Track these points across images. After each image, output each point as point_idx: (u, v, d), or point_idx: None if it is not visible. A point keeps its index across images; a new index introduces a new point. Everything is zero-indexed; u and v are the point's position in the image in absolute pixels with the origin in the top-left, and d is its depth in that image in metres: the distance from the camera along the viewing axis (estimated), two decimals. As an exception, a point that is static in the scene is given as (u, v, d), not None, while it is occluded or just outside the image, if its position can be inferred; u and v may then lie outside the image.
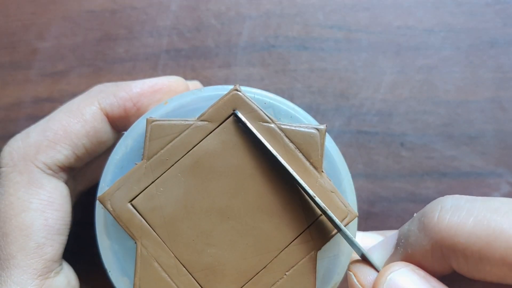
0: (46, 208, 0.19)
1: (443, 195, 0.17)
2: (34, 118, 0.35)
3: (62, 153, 0.20)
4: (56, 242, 0.19)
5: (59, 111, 0.21)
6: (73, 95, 0.35)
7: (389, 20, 0.33)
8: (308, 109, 0.33)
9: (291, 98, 0.33)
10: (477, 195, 0.16)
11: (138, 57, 0.34)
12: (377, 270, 0.18)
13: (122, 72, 0.34)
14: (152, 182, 0.19)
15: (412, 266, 0.17)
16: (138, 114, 0.21)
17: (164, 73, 0.34)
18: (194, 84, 0.25)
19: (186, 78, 0.26)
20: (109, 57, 0.35)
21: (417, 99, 0.32)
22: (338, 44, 0.33)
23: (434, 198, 0.17)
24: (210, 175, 0.19)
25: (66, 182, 0.21)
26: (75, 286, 0.20)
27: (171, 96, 0.21)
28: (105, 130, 0.21)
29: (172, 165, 0.19)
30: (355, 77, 0.33)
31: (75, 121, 0.20)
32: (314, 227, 0.19)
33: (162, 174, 0.19)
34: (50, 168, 0.20)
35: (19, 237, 0.18)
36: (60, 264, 0.20)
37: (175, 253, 0.18)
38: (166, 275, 0.18)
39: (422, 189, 0.31)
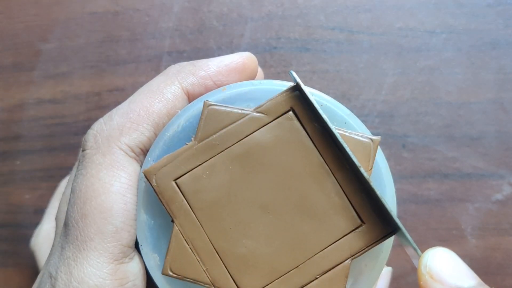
0: (126, 192, 0.19)
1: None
2: (37, 119, 0.35)
3: (145, 135, 0.19)
4: (132, 227, 0.19)
5: (139, 92, 0.20)
6: (76, 96, 0.36)
7: (390, 21, 0.33)
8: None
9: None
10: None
11: (140, 58, 0.34)
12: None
13: (124, 74, 0.34)
14: (200, 165, 0.19)
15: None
16: None
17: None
18: (259, 73, 0.25)
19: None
20: (111, 58, 0.35)
21: (419, 101, 0.32)
22: (339, 45, 0.33)
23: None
24: (257, 167, 0.19)
25: None
26: (145, 274, 0.20)
27: (244, 74, 0.21)
28: None
29: (222, 151, 0.19)
30: (356, 79, 0.33)
31: (156, 100, 0.20)
32: (353, 236, 0.18)
33: (211, 158, 0.19)
34: (132, 151, 0.19)
35: (98, 220, 0.18)
36: (134, 250, 0.20)
37: (211, 238, 0.19)
38: (198, 258, 0.18)
39: (424, 190, 0.31)
